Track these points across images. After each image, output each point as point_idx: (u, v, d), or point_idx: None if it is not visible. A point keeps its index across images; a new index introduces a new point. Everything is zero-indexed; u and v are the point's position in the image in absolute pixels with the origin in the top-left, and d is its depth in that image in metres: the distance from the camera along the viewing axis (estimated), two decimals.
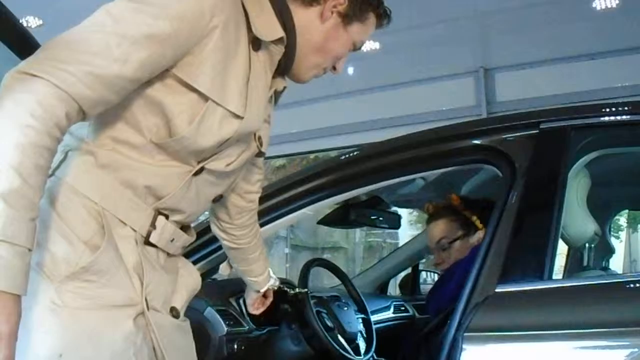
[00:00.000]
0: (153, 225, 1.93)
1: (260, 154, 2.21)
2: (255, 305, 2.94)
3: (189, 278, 2.17)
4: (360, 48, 2.22)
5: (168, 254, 2.04)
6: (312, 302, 3.31)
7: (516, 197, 2.49)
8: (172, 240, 2.01)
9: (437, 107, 7.33)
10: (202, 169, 1.95)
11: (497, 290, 2.29)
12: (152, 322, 1.86)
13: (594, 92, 6.56)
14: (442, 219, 3.37)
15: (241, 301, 3.24)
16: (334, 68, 2.20)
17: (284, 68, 2.13)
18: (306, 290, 3.30)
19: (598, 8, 6.45)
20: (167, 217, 1.96)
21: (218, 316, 3.07)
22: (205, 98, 1.83)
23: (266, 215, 2.98)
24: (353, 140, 7.44)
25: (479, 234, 3.24)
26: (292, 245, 18.57)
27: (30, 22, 6.72)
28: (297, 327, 3.27)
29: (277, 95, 2.23)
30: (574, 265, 3.74)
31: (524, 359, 2.18)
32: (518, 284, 2.30)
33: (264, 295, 2.92)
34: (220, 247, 2.80)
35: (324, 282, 5.33)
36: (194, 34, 1.78)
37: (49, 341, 1.68)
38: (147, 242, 1.93)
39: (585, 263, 3.25)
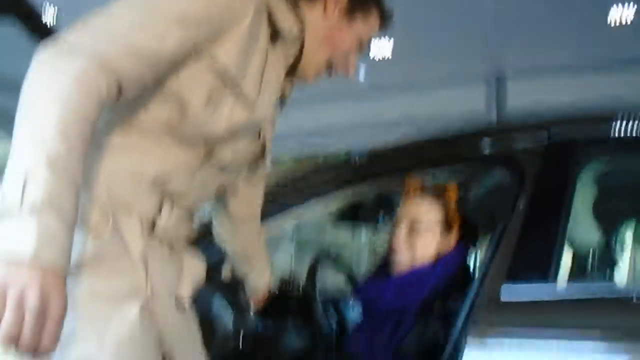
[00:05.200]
0: (159, 211, 1.91)
1: (263, 154, 2.21)
2: (254, 301, 2.99)
3: (195, 268, 2.15)
4: (365, 48, 2.21)
5: (173, 243, 2.03)
6: (318, 298, 3.34)
7: (524, 203, 2.53)
8: (177, 228, 2.00)
9: (447, 113, 7.31)
10: (208, 158, 1.94)
11: (501, 294, 2.33)
12: (158, 312, 1.85)
13: (607, 103, 6.51)
14: (427, 201, 3.02)
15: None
16: (344, 70, 2.21)
17: (291, 68, 2.15)
18: (313, 286, 3.32)
19: (613, 18, 6.43)
20: (172, 204, 1.94)
21: (224, 309, 3.09)
22: (226, 81, 1.84)
23: (274, 213, 3.03)
24: (362, 142, 7.43)
25: (450, 239, 3.02)
26: (297, 245, 18.50)
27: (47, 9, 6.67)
28: (303, 323, 3.27)
29: (282, 100, 2.26)
30: (579, 273, 3.76)
31: None
32: (523, 289, 2.34)
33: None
34: None
35: (329, 279, 5.33)
36: (227, 18, 1.79)
37: None
38: (152, 230, 1.91)
39: (589, 270, 3.27)
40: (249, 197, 2.50)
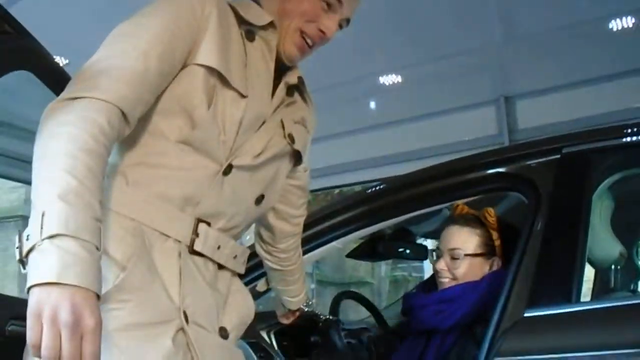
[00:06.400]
0: (195, 233, 1.92)
1: (296, 157, 2.21)
2: (285, 317, 2.95)
3: (242, 302, 2.13)
4: (338, 5, 2.10)
5: (219, 268, 2.02)
6: (342, 333, 3.29)
7: (541, 222, 2.51)
8: (218, 248, 1.98)
9: (460, 138, 7.31)
10: (230, 167, 1.94)
11: (525, 315, 2.31)
12: (193, 339, 1.81)
13: (616, 114, 6.48)
14: (468, 228, 3.08)
15: (272, 334, 3.25)
16: (319, 34, 2.11)
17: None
18: (337, 321, 3.29)
19: (614, 29, 6.42)
20: (209, 224, 1.96)
21: (249, 349, 3.07)
22: (214, 77, 1.89)
23: None
24: (376, 174, 7.39)
25: (496, 261, 3.05)
26: (318, 281, 18.52)
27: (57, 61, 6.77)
28: (328, 359, 3.26)
29: (300, 91, 2.23)
30: (602, 288, 3.73)
31: None
32: (546, 308, 2.32)
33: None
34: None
35: (350, 317, 5.33)
36: (194, 25, 1.87)
37: None
38: (193, 252, 1.91)
39: (612, 285, 3.25)
40: (291, 213, 2.48)
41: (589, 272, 3.47)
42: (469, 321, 2.85)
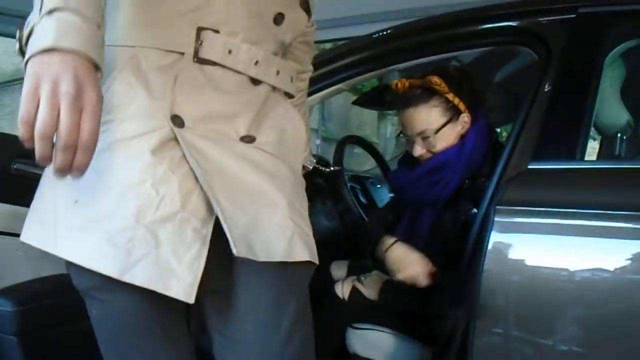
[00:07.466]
0: (198, 40, 1.75)
1: (306, 6, 2.03)
2: None
3: (280, 115, 1.94)
4: None
5: (254, 82, 1.86)
6: (346, 177, 3.33)
7: (551, 79, 2.51)
8: (229, 52, 1.79)
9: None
10: None
11: (529, 167, 2.35)
12: (190, 145, 1.68)
13: None
14: (422, 105, 2.93)
15: None
16: None
17: None
18: (340, 165, 3.32)
19: None
20: (216, 32, 1.77)
21: None
22: None
23: None
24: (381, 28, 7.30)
25: (464, 118, 2.94)
26: (323, 138, 18.54)
27: None
28: (331, 203, 3.29)
29: None
30: (606, 153, 3.74)
31: (552, 232, 2.25)
32: (550, 163, 2.36)
33: None
34: None
35: (355, 168, 5.37)
36: None
37: (63, 187, 1.62)
38: (201, 62, 1.75)
39: (616, 152, 3.27)
40: (298, 69, 2.28)
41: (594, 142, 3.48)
42: (460, 187, 2.84)
